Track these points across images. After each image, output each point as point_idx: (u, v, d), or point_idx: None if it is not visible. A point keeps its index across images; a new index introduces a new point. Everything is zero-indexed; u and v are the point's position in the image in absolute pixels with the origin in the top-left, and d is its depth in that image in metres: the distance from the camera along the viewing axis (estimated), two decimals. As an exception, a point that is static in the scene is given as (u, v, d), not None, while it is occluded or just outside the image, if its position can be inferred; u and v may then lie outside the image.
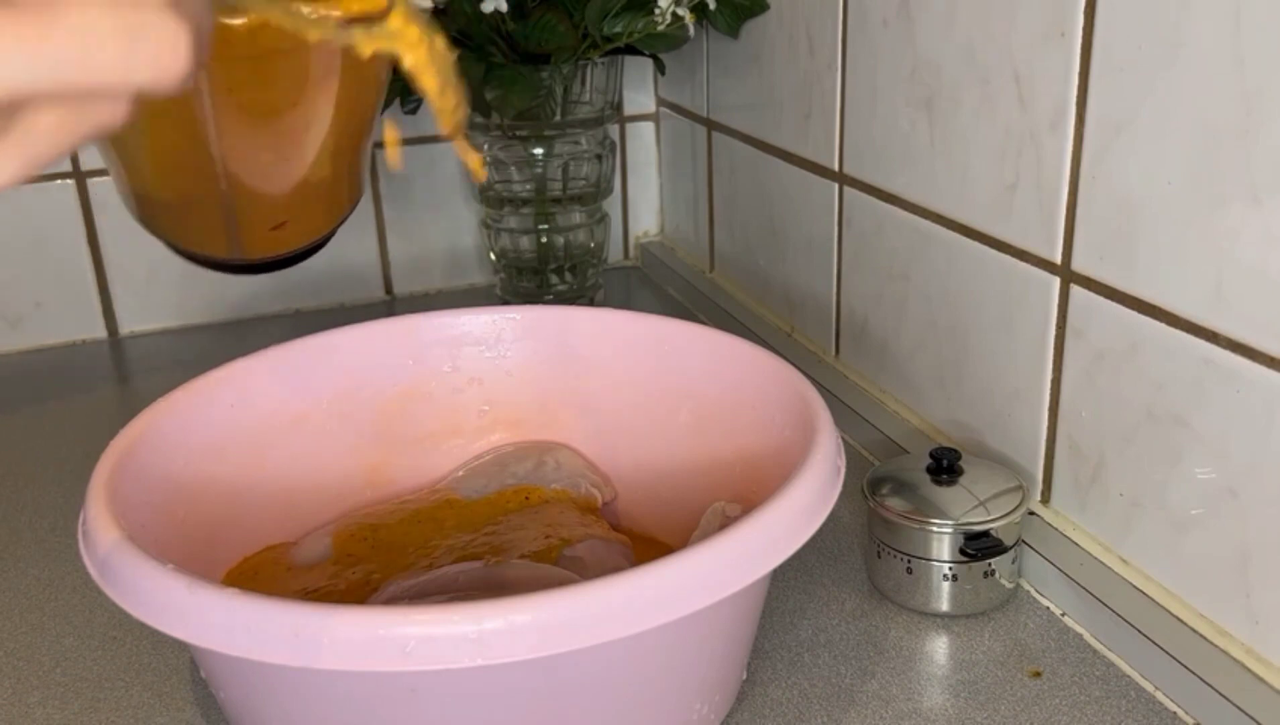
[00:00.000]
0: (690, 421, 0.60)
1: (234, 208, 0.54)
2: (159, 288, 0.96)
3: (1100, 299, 0.53)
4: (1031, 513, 0.58)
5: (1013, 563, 0.57)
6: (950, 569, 0.56)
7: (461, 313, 0.64)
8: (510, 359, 0.63)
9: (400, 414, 0.62)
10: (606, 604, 0.38)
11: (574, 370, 0.63)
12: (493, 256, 0.95)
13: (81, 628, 0.58)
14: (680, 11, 0.79)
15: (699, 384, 0.59)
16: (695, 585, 0.40)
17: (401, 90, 0.84)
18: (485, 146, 0.90)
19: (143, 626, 0.40)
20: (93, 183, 0.92)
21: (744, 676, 0.52)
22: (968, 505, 0.56)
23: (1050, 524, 0.57)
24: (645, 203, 1.08)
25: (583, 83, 0.88)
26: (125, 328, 0.97)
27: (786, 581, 0.60)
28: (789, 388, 0.54)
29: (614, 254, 1.08)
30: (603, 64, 0.88)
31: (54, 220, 0.92)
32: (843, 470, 0.48)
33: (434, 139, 1.00)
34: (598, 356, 0.63)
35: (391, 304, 1.02)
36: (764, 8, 0.80)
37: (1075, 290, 0.55)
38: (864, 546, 0.62)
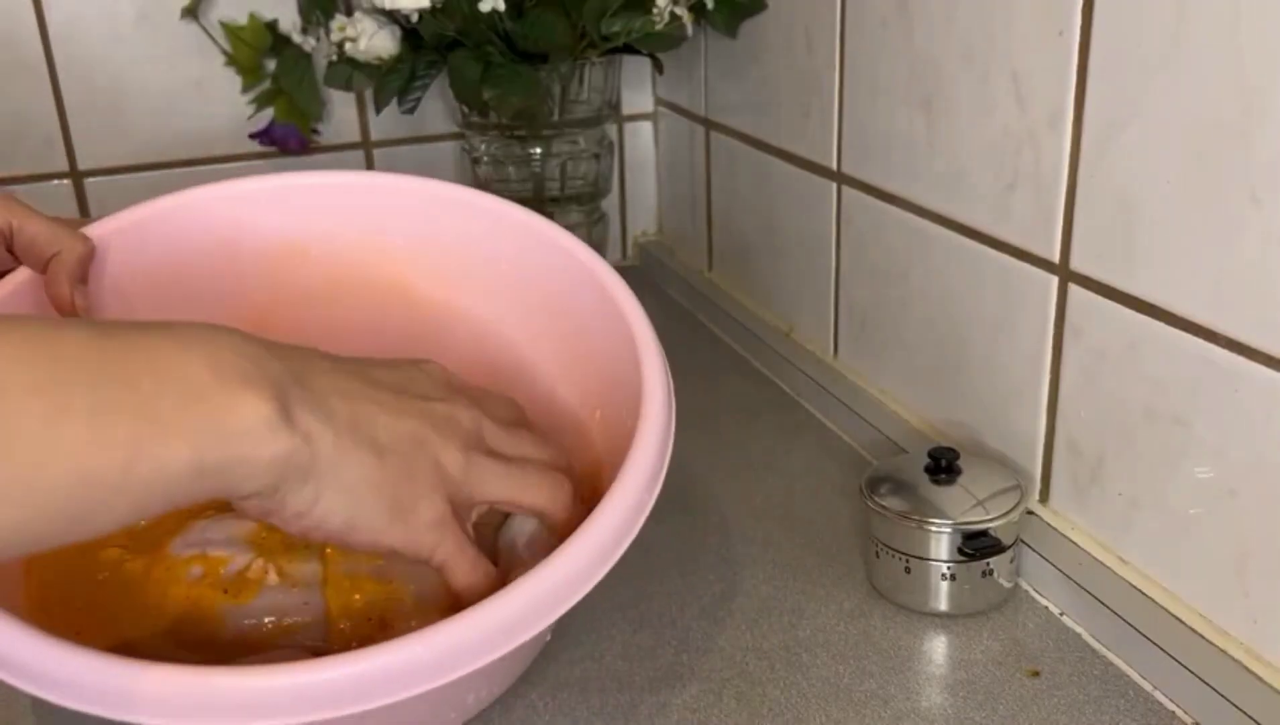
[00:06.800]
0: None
1: None
2: (156, 287, 0.96)
3: (1099, 298, 0.53)
4: (1030, 512, 0.58)
5: (1011, 562, 0.57)
6: (949, 568, 0.56)
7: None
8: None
9: None
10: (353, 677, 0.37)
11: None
12: (491, 256, 0.95)
13: (78, 628, 0.58)
14: (678, 11, 0.79)
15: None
16: (440, 667, 0.38)
17: (400, 88, 0.84)
18: (483, 146, 0.90)
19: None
20: (91, 182, 0.92)
21: (548, 639, 0.51)
22: (966, 505, 0.56)
23: (1049, 523, 0.57)
24: (643, 202, 1.08)
25: (580, 82, 0.88)
26: (123, 327, 0.97)
27: (785, 582, 0.60)
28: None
29: (612, 254, 1.08)
30: (600, 63, 0.87)
31: (51, 220, 0.92)
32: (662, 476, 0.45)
33: (434, 138, 1.00)
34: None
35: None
36: (762, 7, 0.80)
37: (1074, 289, 0.55)
38: (862, 546, 0.62)
